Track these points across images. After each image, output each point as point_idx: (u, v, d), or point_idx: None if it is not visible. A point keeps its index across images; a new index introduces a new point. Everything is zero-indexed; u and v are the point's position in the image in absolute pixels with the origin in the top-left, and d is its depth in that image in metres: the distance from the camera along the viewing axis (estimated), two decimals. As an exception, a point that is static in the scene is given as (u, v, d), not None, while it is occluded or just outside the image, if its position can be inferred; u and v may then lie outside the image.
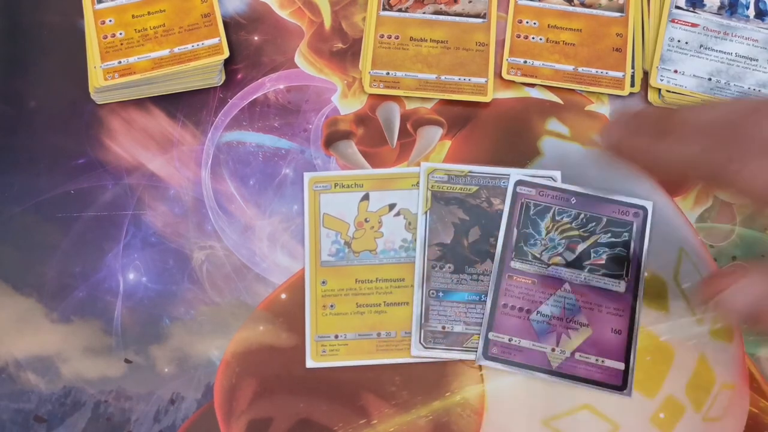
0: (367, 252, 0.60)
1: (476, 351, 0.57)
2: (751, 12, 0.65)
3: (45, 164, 0.63)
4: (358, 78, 0.65)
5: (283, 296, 0.60)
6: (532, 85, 0.65)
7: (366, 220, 0.60)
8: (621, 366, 0.57)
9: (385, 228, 0.60)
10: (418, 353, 0.58)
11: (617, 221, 0.60)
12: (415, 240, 0.60)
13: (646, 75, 0.65)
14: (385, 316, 0.58)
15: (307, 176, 0.62)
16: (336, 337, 0.59)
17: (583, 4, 0.67)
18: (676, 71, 0.64)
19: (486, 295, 0.58)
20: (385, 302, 0.59)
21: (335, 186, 0.61)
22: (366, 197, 0.61)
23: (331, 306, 0.59)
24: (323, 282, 0.59)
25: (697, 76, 0.63)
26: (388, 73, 0.64)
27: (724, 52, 0.64)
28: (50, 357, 0.59)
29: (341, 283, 0.59)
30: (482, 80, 0.64)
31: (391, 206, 0.61)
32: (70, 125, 0.64)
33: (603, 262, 0.59)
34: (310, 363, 0.58)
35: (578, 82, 0.64)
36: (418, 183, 0.61)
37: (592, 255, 0.59)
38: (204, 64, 0.63)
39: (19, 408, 0.58)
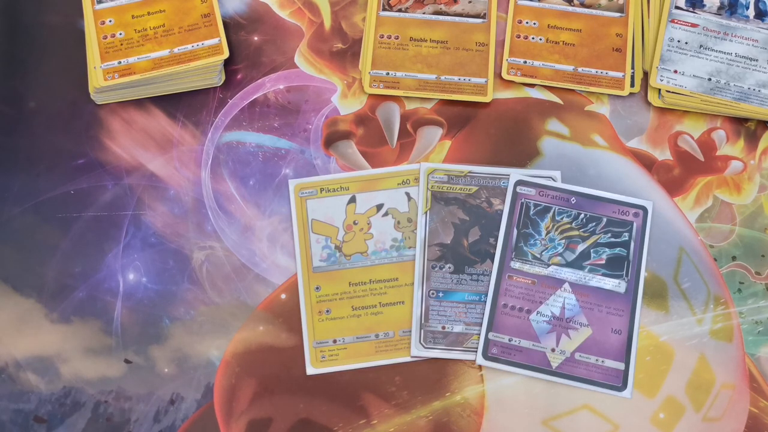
0: (358, 254, 0.60)
1: (476, 351, 0.57)
2: (751, 12, 0.65)
3: (45, 165, 0.63)
4: (358, 78, 0.65)
5: (283, 296, 0.60)
6: (532, 86, 0.65)
7: (355, 223, 0.60)
8: (621, 366, 0.57)
9: (374, 229, 0.60)
10: (418, 353, 0.58)
11: (617, 221, 0.60)
12: (406, 238, 0.60)
13: (646, 75, 0.65)
14: (381, 317, 0.58)
15: (292, 183, 0.61)
16: (334, 341, 0.59)
17: (583, 4, 0.67)
18: (676, 71, 0.64)
19: (486, 295, 0.58)
20: (380, 303, 0.59)
21: (321, 191, 0.61)
22: (353, 200, 0.61)
23: (327, 311, 0.59)
24: (317, 288, 0.59)
25: (697, 76, 0.63)
26: (388, 74, 0.64)
27: (724, 53, 0.64)
28: (50, 357, 0.59)
29: (335, 288, 0.59)
30: (482, 80, 0.64)
31: (379, 207, 0.61)
32: (70, 125, 0.64)
33: (603, 262, 0.59)
34: (311, 370, 0.58)
35: (578, 83, 0.64)
36: (404, 181, 0.61)
37: (592, 255, 0.59)
38: (204, 65, 0.63)
39: (19, 408, 0.58)
